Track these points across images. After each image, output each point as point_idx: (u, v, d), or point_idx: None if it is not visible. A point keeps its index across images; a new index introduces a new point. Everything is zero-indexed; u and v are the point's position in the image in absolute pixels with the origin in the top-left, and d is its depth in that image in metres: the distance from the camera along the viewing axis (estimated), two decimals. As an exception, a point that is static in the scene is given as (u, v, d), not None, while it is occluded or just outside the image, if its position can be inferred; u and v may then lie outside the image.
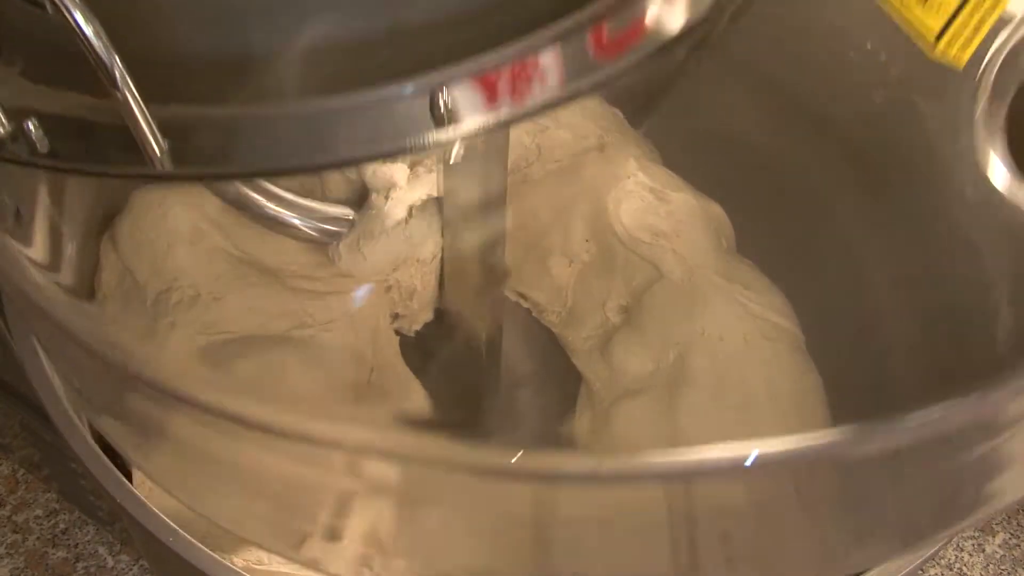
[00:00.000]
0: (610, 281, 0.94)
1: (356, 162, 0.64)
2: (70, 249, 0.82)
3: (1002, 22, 0.67)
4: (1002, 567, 1.04)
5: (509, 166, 0.97)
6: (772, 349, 0.90)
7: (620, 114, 1.03)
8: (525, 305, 1.01)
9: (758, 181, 1.02)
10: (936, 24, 0.63)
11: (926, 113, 0.90)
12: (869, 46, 0.91)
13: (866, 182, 0.99)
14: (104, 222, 0.89)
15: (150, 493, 0.79)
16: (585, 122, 0.99)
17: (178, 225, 0.88)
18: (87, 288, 0.87)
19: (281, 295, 0.89)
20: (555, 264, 0.96)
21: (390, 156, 0.51)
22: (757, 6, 0.98)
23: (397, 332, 0.96)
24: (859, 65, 0.93)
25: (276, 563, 0.77)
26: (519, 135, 0.97)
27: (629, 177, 0.95)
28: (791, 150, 1.03)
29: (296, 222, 0.81)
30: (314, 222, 0.83)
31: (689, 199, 0.96)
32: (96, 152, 0.45)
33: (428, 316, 0.95)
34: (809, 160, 1.03)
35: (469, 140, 0.73)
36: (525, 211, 0.98)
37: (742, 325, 0.90)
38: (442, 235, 0.87)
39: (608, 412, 0.89)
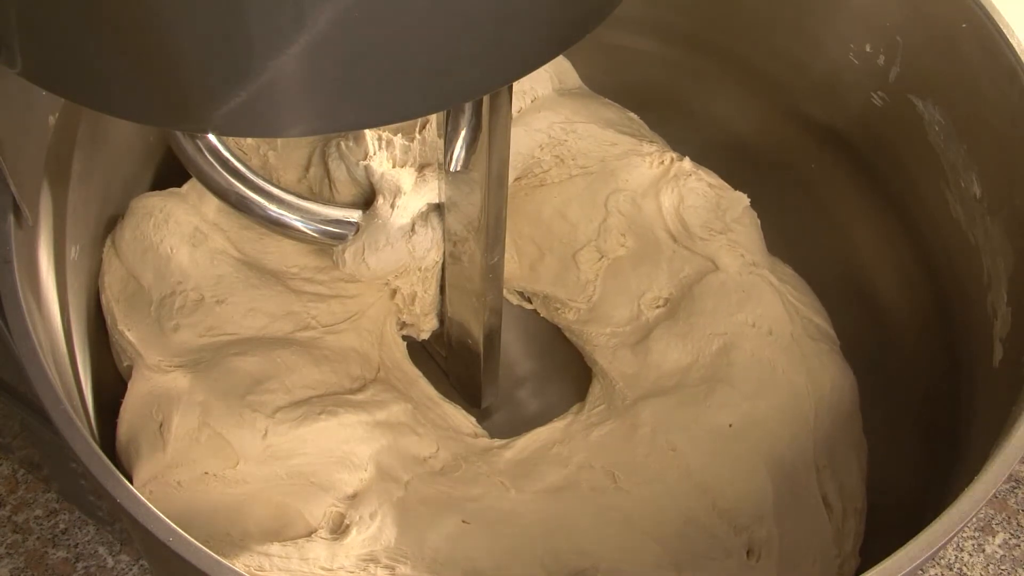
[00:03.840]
0: (652, 273, 0.95)
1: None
2: (74, 252, 0.82)
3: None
4: (1002, 567, 1.04)
5: (520, 173, 0.98)
6: (816, 348, 0.91)
7: (638, 118, 1.03)
8: (528, 307, 1.01)
9: (760, 182, 1.03)
10: None
11: (924, 114, 0.90)
12: (868, 48, 0.91)
13: (867, 183, 0.99)
14: (109, 224, 0.89)
15: (150, 494, 0.79)
16: (606, 131, 0.99)
17: (180, 228, 0.88)
18: (92, 289, 0.87)
19: (284, 297, 0.89)
20: (584, 259, 0.96)
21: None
22: (759, 10, 0.98)
23: (404, 338, 0.96)
24: (859, 67, 0.94)
25: (277, 569, 0.77)
26: (532, 149, 0.98)
27: (690, 175, 0.97)
28: (793, 152, 1.03)
29: (298, 224, 0.81)
30: (316, 224, 0.83)
31: (744, 197, 0.97)
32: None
33: (434, 324, 0.95)
34: (811, 162, 1.03)
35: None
36: (546, 212, 0.98)
37: (791, 322, 0.91)
38: (444, 241, 0.87)
39: (632, 408, 0.90)
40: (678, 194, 0.96)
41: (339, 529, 0.81)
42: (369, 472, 0.83)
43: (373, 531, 0.80)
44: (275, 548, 0.78)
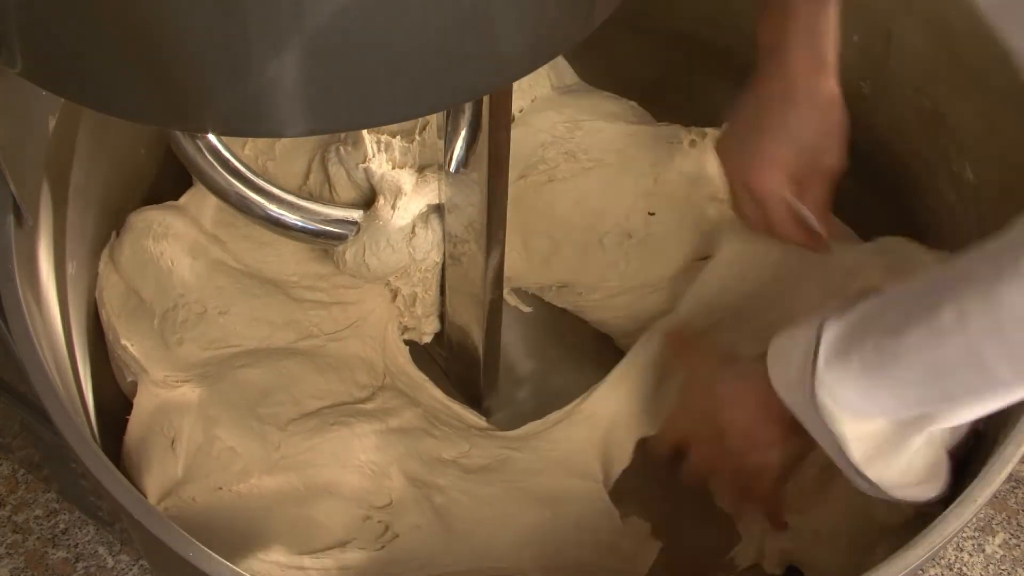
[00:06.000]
0: (692, 238, 0.96)
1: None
2: (71, 268, 0.81)
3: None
4: (1002, 567, 1.04)
5: (523, 171, 0.98)
6: None
7: (637, 106, 1.04)
8: (527, 309, 1.01)
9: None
10: None
11: (915, 101, 0.90)
12: (856, 39, 0.91)
13: (859, 171, 0.99)
14: (103, 239, 0.88)
15: (165, 511, 0.78)
16: (615, 124, 1.00)
17: (179, 240, 0.88)
18: (91, 303, 0.87)
19: (285, 306, 0.89)
20: (611, 242, 0.97)
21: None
22: (747, 5, 0.99)
23: (407, 342, 0.96)
24: (849, 57, 0.94)
25: None
26: (534, 148, 0.98)
27: None
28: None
29: (298, 224, 0.81)
30: (317, 224, 0.82)
31: None
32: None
33: (435, 326, 0.95)
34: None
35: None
36: (561, 206, 0.98)
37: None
38: (444, 242, 0.87)
39: None
40: (710, 154, 0.96)
41: (380, 537, 0.81)
42: (396, 481, 0.83)
43: (422, 538, 0.81)
44: (307, 561, 0.78)
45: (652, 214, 0.98)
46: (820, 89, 0.79)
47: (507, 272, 0.97)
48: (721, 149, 0.86)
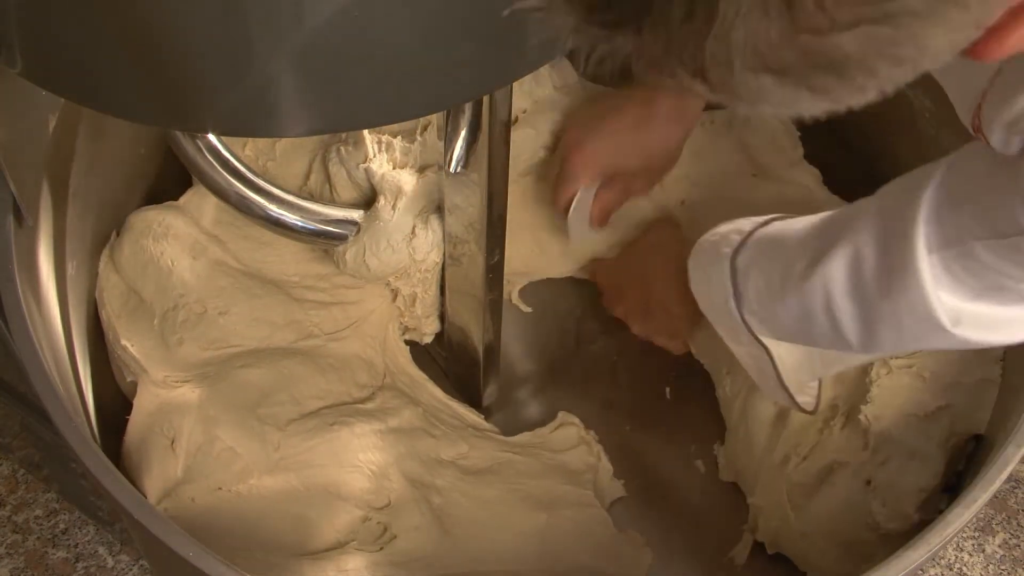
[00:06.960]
0: (724, 207, 0.97)
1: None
2: (71, 268, 0.82)
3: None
4: (1002, 567, 1.04)
5: (524, 171, 0.98)
6: None
7: None
8: (526, 309, 1.01)
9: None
10: None
11: (914, 102, 0.90)
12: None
13: (857, 172, 0.99)
14: (103, 239, 0.88)
15: (165, 511, 0.78)
16: None
17: (179, 240, 0.87)
18: (91, 303, 0.87)
19: (286, 306, 0.89)
20: (633, 224, 0.98)
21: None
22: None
23: (407, 342, 0.96)
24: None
25: None
26: (536, 149, 0.98)
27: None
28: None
29: (298, 224, 0.81)
30: (317, 225, 0.82)
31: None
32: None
33: (436, 326, 0.95)
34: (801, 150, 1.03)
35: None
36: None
37: None
38: (444, 243, 0.87)
39: None
40: (748, 131, 0.98)
41: (379, 539, 0.81)
42: (395, 481, 0.84)
43: (420, 539, 0.81)
44: (306, 561, 0.78)
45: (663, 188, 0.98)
46: (684, 106, 0.88)
47: (525, 268, 0.97)
48: (571, 115, 0.94)
